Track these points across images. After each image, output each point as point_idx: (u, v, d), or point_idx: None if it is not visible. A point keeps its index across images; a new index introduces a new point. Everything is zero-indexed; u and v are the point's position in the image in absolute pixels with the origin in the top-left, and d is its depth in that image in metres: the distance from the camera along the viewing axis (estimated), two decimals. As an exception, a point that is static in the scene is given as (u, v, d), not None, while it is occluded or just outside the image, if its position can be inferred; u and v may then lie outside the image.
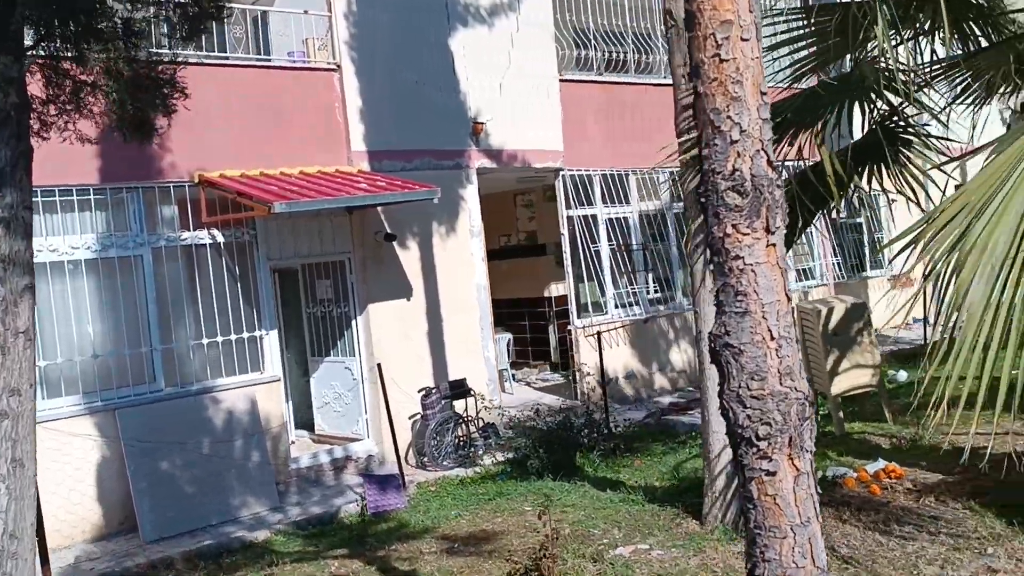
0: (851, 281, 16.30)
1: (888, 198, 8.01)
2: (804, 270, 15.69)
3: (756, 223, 2.34)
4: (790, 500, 2.35)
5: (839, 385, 9.24)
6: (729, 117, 2.31)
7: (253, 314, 9.81)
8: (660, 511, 7.08)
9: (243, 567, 7.10)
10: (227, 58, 9.97)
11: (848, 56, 6.70)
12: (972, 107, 7.24)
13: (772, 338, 2.37)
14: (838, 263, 16.27)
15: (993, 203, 3.95)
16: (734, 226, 2.35)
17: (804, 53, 6.56)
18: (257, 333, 9.82)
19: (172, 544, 8.02)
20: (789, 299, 2.38)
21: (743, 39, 2.34)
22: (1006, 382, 4.26)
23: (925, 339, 14.66)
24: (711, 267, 2.50)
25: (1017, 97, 8.44)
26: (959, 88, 7.11)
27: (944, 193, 5.30)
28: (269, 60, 10.46)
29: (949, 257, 3.92)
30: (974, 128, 6.75)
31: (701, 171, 2.41)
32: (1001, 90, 7.26)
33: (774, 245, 2.38)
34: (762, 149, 2.34)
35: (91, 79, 4.66)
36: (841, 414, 9.30)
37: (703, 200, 2.42)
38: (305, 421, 11.47)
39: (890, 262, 17.63)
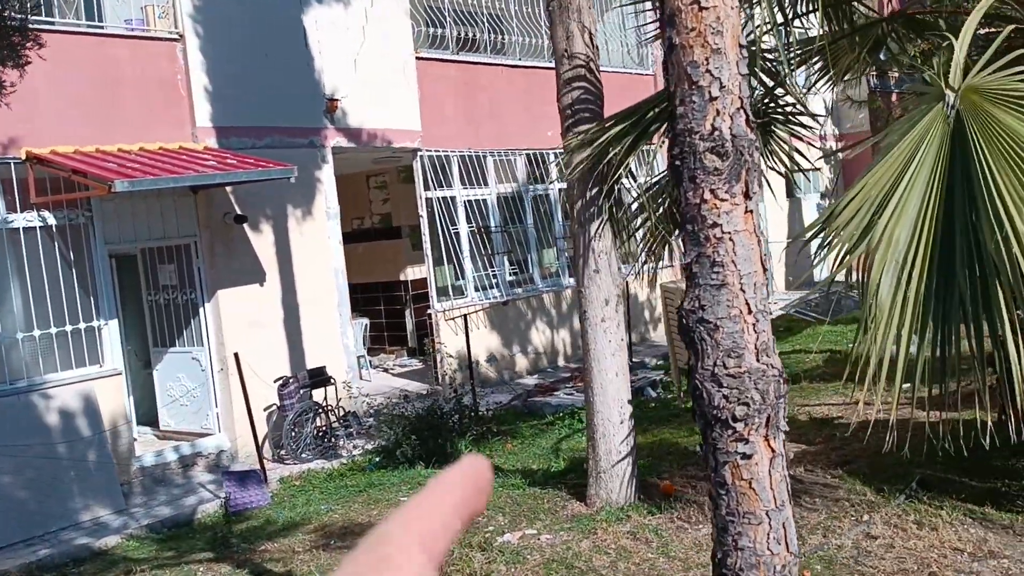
0: (696, 262, 16.80)
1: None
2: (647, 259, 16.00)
3: (735, 188, 2.18)
4: (766, 484, 2.22)
5: (701, 362, 9.43)
6: (708, 71, 2.13)
7: (90, 303, 9.02)
8: (542, 494, 6.96)
9: (94, 578, 6.49)
10: (53, 23, 9.07)
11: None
12: (832, 89, 7.49)
13: (750, 312, 2.22)
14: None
15: (893, 198, 4.01)
16: (712, 191, 2.18)
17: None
18: (95, 323, 9.04)
19: (6, 556, 7.25)
20: (765, 270, 2.24)
21: (724, -13, 2.15)
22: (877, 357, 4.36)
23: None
24: (683, 236, 2.32)
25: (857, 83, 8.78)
26: (820, 71, 7.33)
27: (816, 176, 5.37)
28: (102, 27, 9.59)
29: (855, 251, 3.95)
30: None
31: (674, 131, 2.22)
32: (852, 72, 7.56)
33: (751, 212, 2.22)
34: (742, 107, 2.18)
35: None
36: (703, 391, 9.50)
37: (677, 163, 2.23)
38: (148, 416, 10.70)
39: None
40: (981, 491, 5.95)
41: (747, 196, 2.21)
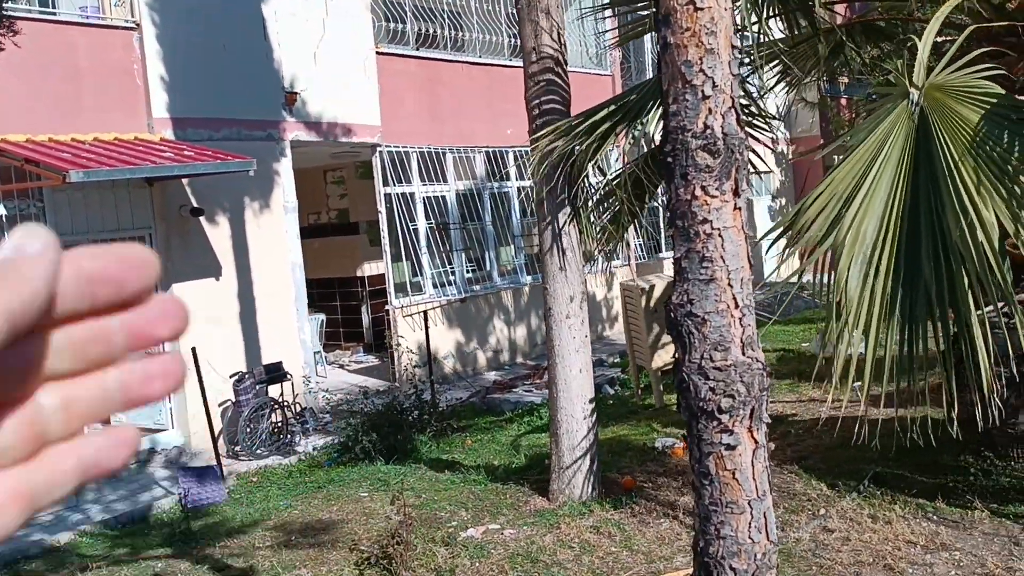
0: (650, 261, 16.95)
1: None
2: (610, 251, 16.11)
3: (726, 185, 2.23)
4: (749, 474, 2.28)
5: (659, 359, 9.53)
6: (702, 71, 2.18)
7: (41, 295, 8.83)
8: (504, 489, 6.99)
9: (48, 575, 6.36)
10: (4, 8, 8.85)
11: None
12: (790, 93, 7.65)
13: (736, 306, 2.27)
14: (639, 244, 16.87)
15: (860, 191, 4.11)
16: (703, 188, 2.23)
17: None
18: (46, 316, 8.86)
19: (-47, 555, 7.07)
20: (751, 265, 2.30)
21: (718, -12, 2.20)
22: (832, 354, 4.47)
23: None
24: (673, 232, 2.36)
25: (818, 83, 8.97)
26: (780, 74, 7.48)
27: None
28: (56, 14, 9.40)
29: (823, 246, 4.04)
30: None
31: (666, 129, 2.26)
32: (811, 76, 7.73)
33: (740, 209, 2.28)
34: (733, 107, 2.23)
35: None
36: (661, 387, 9.60)
37: (669, 160, 2.27)
38: (99, 412, 10.52)
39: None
40: (932, 487, 6.11)
41: (736, 193, 2.27)
